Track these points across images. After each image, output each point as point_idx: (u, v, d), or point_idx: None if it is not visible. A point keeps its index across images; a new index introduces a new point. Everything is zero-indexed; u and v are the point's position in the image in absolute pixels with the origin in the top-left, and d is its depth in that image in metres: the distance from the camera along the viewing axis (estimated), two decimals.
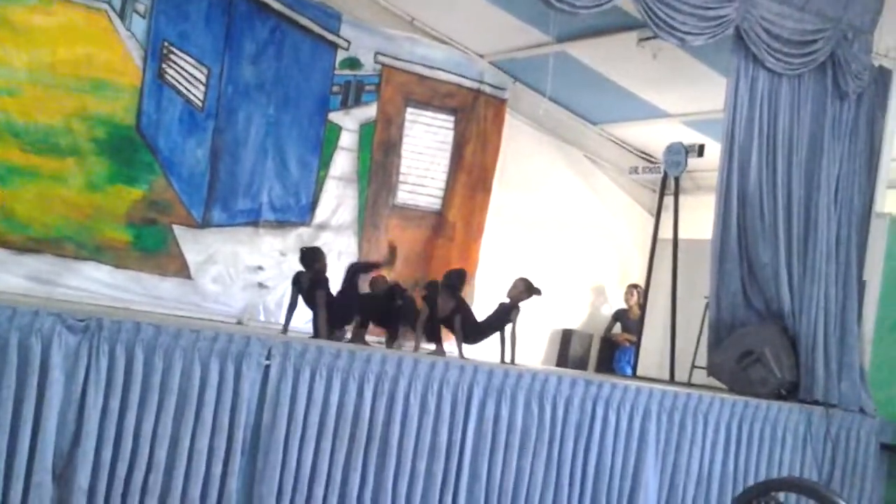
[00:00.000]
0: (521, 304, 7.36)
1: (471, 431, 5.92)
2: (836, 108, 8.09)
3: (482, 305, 7.47)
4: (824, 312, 7.80)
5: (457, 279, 7.56)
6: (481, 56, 10.49)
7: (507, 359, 7.24)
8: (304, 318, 7.54)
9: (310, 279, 7.22)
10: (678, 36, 7.40)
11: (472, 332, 7.44)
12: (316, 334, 7.10)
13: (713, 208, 7.92)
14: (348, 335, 7.46)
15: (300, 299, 7.30)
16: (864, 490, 7.58)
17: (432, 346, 7.49)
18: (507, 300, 7.44)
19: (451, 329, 7.36)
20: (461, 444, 5.90)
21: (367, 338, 7.52)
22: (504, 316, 7.38)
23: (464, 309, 7.42)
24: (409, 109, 10.13)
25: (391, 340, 7.56)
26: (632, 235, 11.38)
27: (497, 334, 7.42)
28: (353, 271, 7.60)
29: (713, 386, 8.00)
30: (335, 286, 7.45)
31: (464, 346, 7.32)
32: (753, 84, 7.81)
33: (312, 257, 7.33)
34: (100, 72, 8.52)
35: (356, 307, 7.40)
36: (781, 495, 3.51)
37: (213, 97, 9.04)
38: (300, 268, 7.35)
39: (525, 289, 7.41)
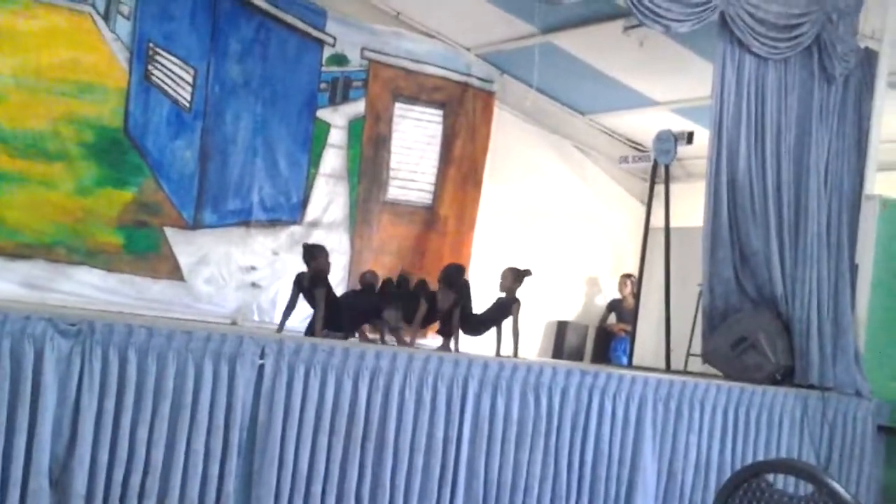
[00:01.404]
0: (518, 291, 7.32)
1: (467, 425, 5.89)
2: (823, 91, 8.06)
3: (476, 298, 7.44)
4: (817, 296, 7.78)
5: (455, 273, 7.49)
6: (468, 49, 10.49)
7: (508, 352, 7.19)
8: (301, 317, 7.43)
9: (310, 278, 7.15)
10: (663, 23, 7.36)
11: (472, 324, 7.39)
12: (310, 333, 7.03)
13: (704, 195, 7.92)
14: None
15: (301, 299, 7.20)
16: (863, 472, 7.56)
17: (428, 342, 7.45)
18: (503, 294, 7.41)
19: (451, 324, 7.32)
20: (458, 437, 5.86)
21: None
22: (504, 309, 7.30)
23: (464, 301, 7.28)
24: (398, 104, 10.14)
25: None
26: (623, 225, 11.37)
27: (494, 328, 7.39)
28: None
29: (709, 373, 7.98)
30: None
31: (464, 338, 7.26)
32: (740, 69, 7.78)
33: (312, 254, 7.25)
34: (85, 75, 8.53)
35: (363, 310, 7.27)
36: (771, 477, 3.48)
37: (200, 97, 9.04)
38: (292, 266, 7.30)
39: (514, 277, 7.31)
